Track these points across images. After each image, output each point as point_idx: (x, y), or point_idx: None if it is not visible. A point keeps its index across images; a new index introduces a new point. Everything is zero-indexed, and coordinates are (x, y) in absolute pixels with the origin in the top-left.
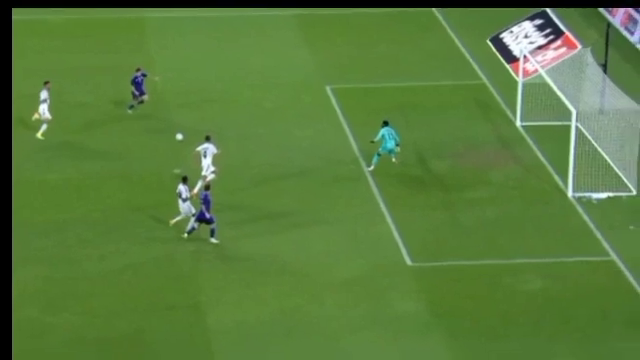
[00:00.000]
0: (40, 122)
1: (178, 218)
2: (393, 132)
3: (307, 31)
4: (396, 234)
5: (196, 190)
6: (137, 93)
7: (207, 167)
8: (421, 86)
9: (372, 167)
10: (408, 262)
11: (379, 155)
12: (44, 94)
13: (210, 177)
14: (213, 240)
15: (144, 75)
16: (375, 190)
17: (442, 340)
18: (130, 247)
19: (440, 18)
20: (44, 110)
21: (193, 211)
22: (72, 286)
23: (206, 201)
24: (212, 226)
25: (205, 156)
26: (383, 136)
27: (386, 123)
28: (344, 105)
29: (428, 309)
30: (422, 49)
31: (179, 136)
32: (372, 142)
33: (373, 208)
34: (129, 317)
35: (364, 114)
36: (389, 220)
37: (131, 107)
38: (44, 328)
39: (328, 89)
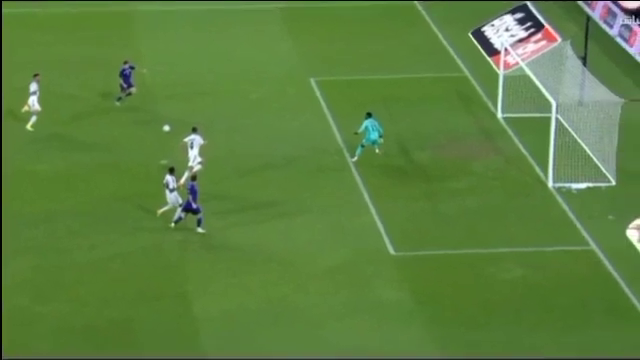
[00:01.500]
0: (30, 114)
1: (165, 208)
2: (376, 124)
3: (292, 25)
4: (379, 224)
5: (183, 180)
6: (125, 85)
7: (194, 158)
8: (404, 79)
9: (356, 158)
10: (391, 251)
11: (363, 146)
12: (34, 86)
13: (197, 168)
14: (200, 230)
15: (132, 67)
16: (359, 180)
17: (424, 328)
18: (118, 237)
19: (423, 12)
20: (34, 102)
21: (180, 201)
22: (61, 275)
23: (193, 191)
24: (199, 216)
25: (192, 147)
26: (367, 128)
27: (370, 115)
28: (328, 97)
29: (410, 297)
30: (405, 43)
31: (166, 127)
32: (356, 133)
33: (357, 198)
34: (117, 306)
35: (348, 106)
36: (372, 210)
37: (119, 99)
38: (33, 317)
39: (312, 81)
